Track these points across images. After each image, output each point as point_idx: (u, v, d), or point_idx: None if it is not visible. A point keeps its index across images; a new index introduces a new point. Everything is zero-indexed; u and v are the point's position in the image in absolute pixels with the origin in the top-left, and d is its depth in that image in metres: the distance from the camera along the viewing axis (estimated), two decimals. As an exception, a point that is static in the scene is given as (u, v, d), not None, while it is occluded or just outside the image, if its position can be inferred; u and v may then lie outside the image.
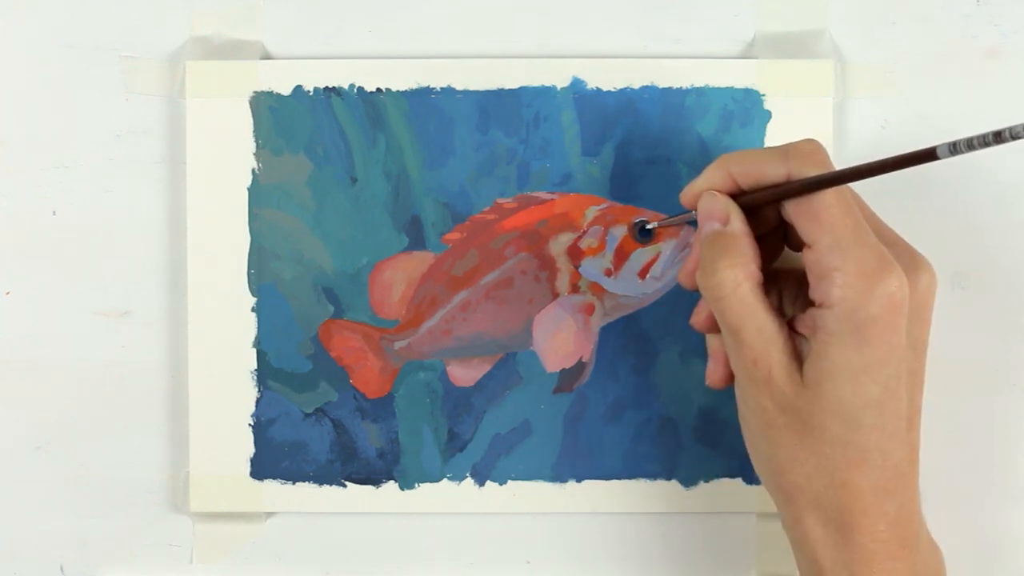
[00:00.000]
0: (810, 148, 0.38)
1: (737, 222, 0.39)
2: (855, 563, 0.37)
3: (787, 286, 0.41)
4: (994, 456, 0.47)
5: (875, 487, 0.37)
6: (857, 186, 0.38)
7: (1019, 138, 0.32)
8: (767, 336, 0.38)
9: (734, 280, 0.38)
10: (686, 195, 0.41)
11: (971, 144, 0.33)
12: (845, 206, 0.37)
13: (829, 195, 0.37)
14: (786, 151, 0.38)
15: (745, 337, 0.38)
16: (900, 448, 0.37)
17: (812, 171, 0.37)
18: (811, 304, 0.37)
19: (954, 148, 0.33)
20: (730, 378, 0.41)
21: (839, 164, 0.39)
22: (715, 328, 0.40)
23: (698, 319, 0.41)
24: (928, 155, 0.34)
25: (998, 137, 0.32)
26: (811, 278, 0.37)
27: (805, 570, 0.39)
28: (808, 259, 0.37)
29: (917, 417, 0.38)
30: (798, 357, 0.38)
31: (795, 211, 0.38)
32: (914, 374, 0.38)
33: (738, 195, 0.40)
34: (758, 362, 0.38)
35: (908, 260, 0.38)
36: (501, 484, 0.47)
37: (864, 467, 0.37)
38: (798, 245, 0.39)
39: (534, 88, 0.46)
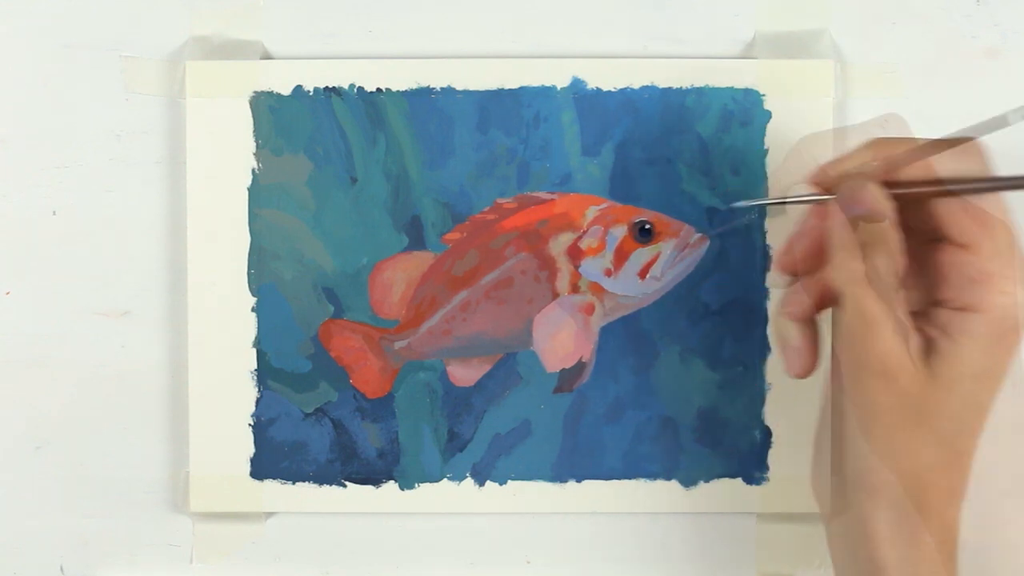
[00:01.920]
0: (976, 147, 0.38)
1: (892, 212, 0.38)
2: (921, 563, 0.37)
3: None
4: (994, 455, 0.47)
5: (958, 488, 0.37)
6: None
7: None
8: (903, 330, 0.37)
9: (885, 269, 0.38)
10: (824, 173, 0.40)
11: None
12: (1007, 213, 0.37)
13: (997, 199, 0.37)
14: (959, 146, 0.38)
15: (881, 329, 0.37)
16: (975, 451, 0.38)
17: (977, 171, 0.37)
18: (937, 303, 0.38)
19: None
20: (815, 367, 0.40)
21: (839, 164, 0.39)
22: (810, 318, 0.40)
23: (795, 309, 0.40)
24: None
25: None
26: (956, 278, 0.37)
27: (856, 570, 0.39)
28: (960, 260, 0.37)
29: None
30: (924, 353, 0.38)
31: (955, 210, 0.37)
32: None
33: (892, 185, 0.39)
34: (888, 356, 0.37)
35: None
36: (501, 484, 0.47)
37: (959, 468, 0.37)
38: (923, 238, 0.39)
39: (534, 88, 0.46)
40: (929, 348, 0.38)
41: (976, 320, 0.37)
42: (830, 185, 0.39)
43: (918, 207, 0.39)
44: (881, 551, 0.38)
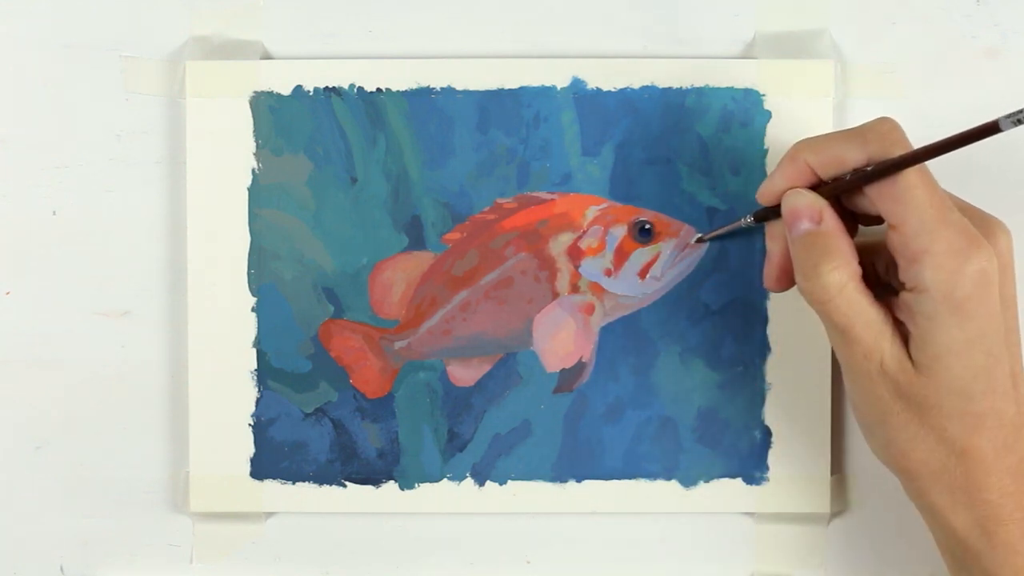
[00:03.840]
0: (887, 127, 0.38)
1: (830, 219, 0.39)
2: (986, 520, 0.38)
3: (878, 260, 0.41)
4: None
5: (995, 447, 0.38)
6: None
7: None
8: (876, 330, 0.38)
9: (839, 282, 0.38)
10: (764, 193, 0.41)
11: None
12: (928, 185, 0.37)
13: (912, 175, 0.37)
14: (863, 134, 0.38)
15: (856, 334, 0.38)
16: (1011, 405, 0.38)
17: (893, 151, 0.37)
18: (901, 285, 0.38)
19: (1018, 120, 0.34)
20: (788, 283, 0.41)
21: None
22: (784, 286, 0.41)
23: (768, 280, 0.41)
24: (991, 128, 0.35)
25: None
26: (900, 261, 0.37)
27: (940, 536, 0.40)
28: (894, 241, 0.37)
29: (1020, 370, 0.39)
30: (904, 342, 0.38)
31: (878, 194, 0.37)
32: (1010, 331, 0.38)
33: (818, 186, 0.39)
34: (869, 355, 0.38)
35: (983, 225, 0.38)
36: (501, 484, 0.47)
37: (982, 431, 0.37)
38: (868, 221, 0.39)
39: (534, 88, 0.46)
40: (904, 336, 0.38)
41: (924, 301, 0.37)
42: (773, 202, 0.41)
43: (853, 196, 0.39)
44: (948, 517, 0.38)
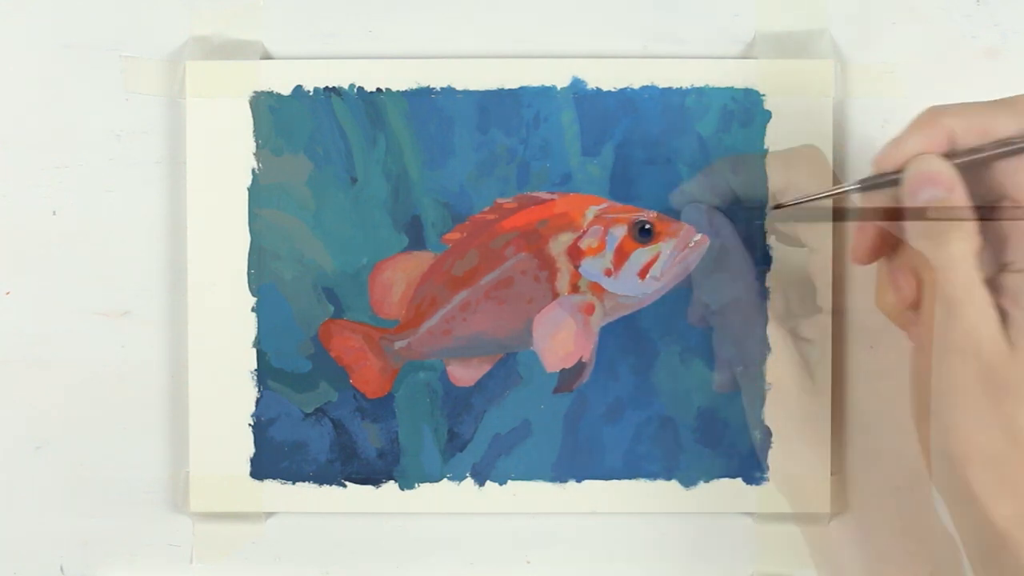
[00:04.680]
0: None
1: (962, 189, 0.37)
2: None
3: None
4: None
5: None
6: None
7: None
8: (983, 308, 0.37)
9: (964, 252, 0.37)
10: (889, 156, 0.39)
11: None
12: None
13: None
14: (1014, 104, 0.37)
15: (966, 311, 0.37)
16: None
17: None
18: (1005, 266, 0.37)
19: None
20: (878, 254, 0.40)
21: (840, 164, 0.39)
22: (874, 259, 0.40)
23: (861, 251, 0.40)
24: None
25: None
26: (1020, 239, 0.37)
27: (971, 528, 0.39)
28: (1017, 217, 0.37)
29: None
30: (1002, 325, 0.37)
31: (1015, 167, 0.37)
32: None
33: (951, 155, 0.38)
34: (970, 332, 0.37)
35: None
36: (501, 484, 0.47)
37: None
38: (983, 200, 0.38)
39: (534, 88, 0.46)
40: (1004, 319, 0.37)
41: None
42: (896, 167, 0.39)
43: (977, 170, 0.38)
44: (990, 508, 0.38)
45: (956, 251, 0.37)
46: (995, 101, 0.38)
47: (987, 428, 0.38)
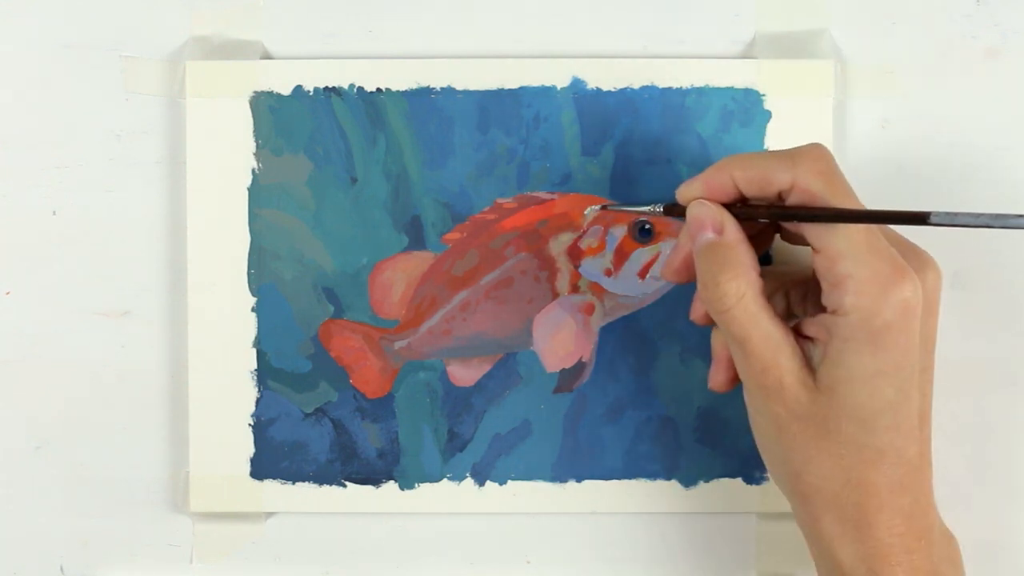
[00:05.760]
0: (818, 154, 0.38)
1: (732, 231, 0.39)
2: (873, 558, 0.37)
3: (793, 287, 0.41)
4: (994, 455, 0.47)
5: (891, 484, 0.37)
6: (859, 186, 0.38)
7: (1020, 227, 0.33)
8: (775, 344, 0.37)
9: (736, 292, 0.38)
10: (682, 193, 0.40)
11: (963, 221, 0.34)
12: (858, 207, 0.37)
13: (845, 202, 0.37)
14: (793, 157, 0.38)
15: (753, 347, 0.38)
16: (913, 445, 0.37)
17: (817, 180, 0.37)
18: (821, 307, 0.37)
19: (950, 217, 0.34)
20: (734, 382, 0.41)
21: (841, 164, 0.39)
22: (713, 321, 0.40)
23: (697, 314, 0.41)
24: (920, 218, 0.35)
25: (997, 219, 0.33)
26: (823, 284, 0.37)
27: (824, 567, 0.39)
28: (819, 265, 0.37)
29: (928, 412, 0.38)
30: (807, 361, 0.38)
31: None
32: (925, 371, 0.38)
33: (736, 205, 0.39)
34: (767, 370, 0.38)
35: (914, 259, 0.38)
36: (501, 484, 0.47)
37: (880, 466, 0.37)
38: (795, 239, 0.39)
39: (534, 88, 0.46)
40: (822, 355, 0.37)
41: (841, 324, 0.36)
42: (685, 206, 0.40)
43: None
44: (835, 548, 0.38)
45: (729, 290, 0.38)
46: (777, 152, 0.38)
47: (817, 466, 0.37)
